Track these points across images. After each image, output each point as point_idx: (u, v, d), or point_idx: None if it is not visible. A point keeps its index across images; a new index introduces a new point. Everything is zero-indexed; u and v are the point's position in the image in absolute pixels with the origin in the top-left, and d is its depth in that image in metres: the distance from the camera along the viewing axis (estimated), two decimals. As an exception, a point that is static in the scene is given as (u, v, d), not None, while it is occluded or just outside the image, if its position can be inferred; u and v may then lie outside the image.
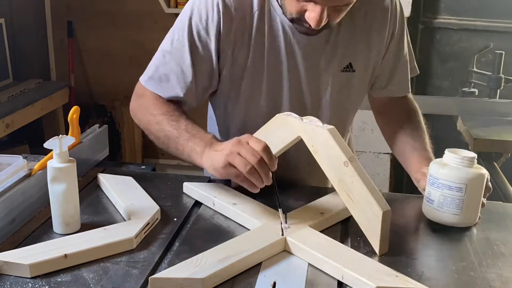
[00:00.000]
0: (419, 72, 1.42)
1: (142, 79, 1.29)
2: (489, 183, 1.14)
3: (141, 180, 1.24)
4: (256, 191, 1.05)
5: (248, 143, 1.04)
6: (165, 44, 1.26)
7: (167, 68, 1.24)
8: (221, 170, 1.06)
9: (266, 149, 1.02)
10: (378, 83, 1.36)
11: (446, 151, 1.11)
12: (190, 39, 1.21)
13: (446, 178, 1.08)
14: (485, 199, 1.14)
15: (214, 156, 1.08)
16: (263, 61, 1.23)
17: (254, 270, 0.93)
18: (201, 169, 1.54)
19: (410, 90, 1.41)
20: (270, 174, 1.03)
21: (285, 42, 1.22)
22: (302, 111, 1.14)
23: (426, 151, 1.29)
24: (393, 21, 1.29)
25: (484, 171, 1.10)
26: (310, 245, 0.97)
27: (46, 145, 1.00)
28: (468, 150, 1.13)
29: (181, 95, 1.24)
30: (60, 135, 1.01)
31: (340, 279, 0.90)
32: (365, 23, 1.26)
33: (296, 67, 1.25)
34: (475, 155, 1.10)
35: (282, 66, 1.24)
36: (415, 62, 1.41)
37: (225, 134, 1.35)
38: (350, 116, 1.40)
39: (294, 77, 1.26)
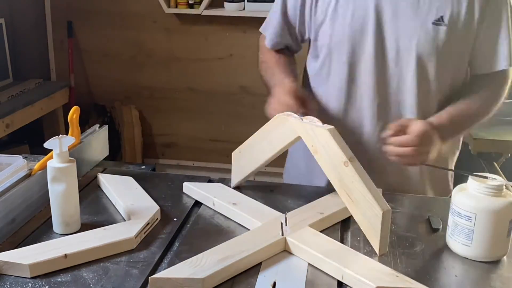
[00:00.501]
0: None
1: (262, 28, 1.43)
2: None
3: (141, 180, 1.25)
4: None
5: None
6: None
7: (271, 17, 1.38)
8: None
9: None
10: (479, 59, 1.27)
11: (470, 177, 1.00)
12: None
13: (457, 204, 0.99)
14: None
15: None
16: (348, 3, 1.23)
17: (254, 270, 0.93)
18: (201, 169, 1.54)
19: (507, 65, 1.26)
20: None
21: None
22: (383, 62, 1.22)
23: (448, 111, 1.22)
24: None
25: (502, 202, 0.96)
26: (310, 245, 0.97)
27: (46, 145, 1.00)
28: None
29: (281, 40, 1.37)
30: (60, 135, 1.01)
31: (340, 279, 0.90)
32: None
33: (382, 13, 1.21)
34: (500, 184, 0.97)
35: (368, 8, 1.21)
36: None
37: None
38: (441, 83, 1.26)
39: (379, 24, 1.22)
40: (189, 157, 3.42)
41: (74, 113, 1.22)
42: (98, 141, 1.38)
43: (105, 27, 3.32)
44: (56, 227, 1.04)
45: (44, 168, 1.10)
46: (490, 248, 0.98)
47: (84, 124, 2.74)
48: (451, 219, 1.01)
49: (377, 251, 0.98)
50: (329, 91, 1.31)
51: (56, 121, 3.15)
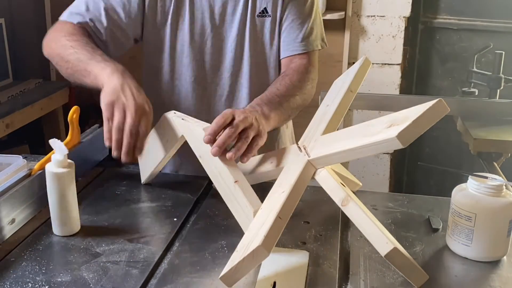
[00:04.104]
0: (327, 46, 1.44)
1: (62, 16, 1.38)
2: None
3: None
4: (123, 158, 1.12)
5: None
6: None
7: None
8: (104, 106, 1.10)
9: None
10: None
11: (470, 177, 0.99)
12: None
13: (457, 204, 0.99)
14: None
15: (112, 86, 1.14)
16: (185, 8, 1.33)
17: (254, 270, 0.93)
18: (202, 169, 1.54)
19: (302, 50, 1.38)
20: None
21: None
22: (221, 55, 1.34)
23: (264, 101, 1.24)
24: None
25: (501, 203, 0.95)
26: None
27: (52, 141, 1.00)
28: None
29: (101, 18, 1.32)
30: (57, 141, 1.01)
31: None
32: None
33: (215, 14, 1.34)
34: (500, 184, 0.96)
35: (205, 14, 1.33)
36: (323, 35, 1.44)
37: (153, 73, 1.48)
38: (271, 67, 1.40)
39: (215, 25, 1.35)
40: (189, 157, 3.41)
41: (74, 113, 1.22)
42: (98, 141, 1.38)
43: (105, 27, 3.31)
44: (55, 228, 1.03)
45: (44, 168, 1.10)
46: (490, 248, 0.98)
47: (84, 124, 2.73)
48: (451, 219, 1.01)
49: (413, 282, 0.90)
50: (182, 87, 1.42)
51: (56, 121, 3.14)
